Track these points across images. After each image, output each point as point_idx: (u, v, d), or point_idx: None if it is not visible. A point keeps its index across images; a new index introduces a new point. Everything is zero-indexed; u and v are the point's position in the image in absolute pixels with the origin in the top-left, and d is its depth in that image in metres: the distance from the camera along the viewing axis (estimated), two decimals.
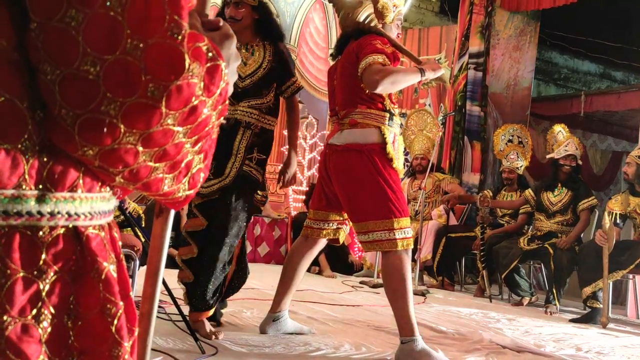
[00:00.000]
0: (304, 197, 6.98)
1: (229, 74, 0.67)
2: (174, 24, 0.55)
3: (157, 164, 0.60)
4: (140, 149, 0.57)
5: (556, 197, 5.11)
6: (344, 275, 5.94)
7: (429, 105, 7.98)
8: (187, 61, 0.56)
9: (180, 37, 0.56)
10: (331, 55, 3.06)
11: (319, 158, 6.93)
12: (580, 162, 5.12)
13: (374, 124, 2.72)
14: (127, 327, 0.64)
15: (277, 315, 2.91)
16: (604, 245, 4.30)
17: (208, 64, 0.59)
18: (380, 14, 2.87)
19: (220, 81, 0.61)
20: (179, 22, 0.55)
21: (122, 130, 0.56)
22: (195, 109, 0.59)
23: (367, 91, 2.67)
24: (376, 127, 2.71)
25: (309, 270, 5.59)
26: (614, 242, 4.33)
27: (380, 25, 2.85)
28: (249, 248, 6.23)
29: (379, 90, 2.62)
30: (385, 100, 2.75)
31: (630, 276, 4.82)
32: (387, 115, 2.75)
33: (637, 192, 4.55)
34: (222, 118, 0.65)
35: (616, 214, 4.58)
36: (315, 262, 5.74)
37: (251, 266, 5.85)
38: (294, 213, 6.91)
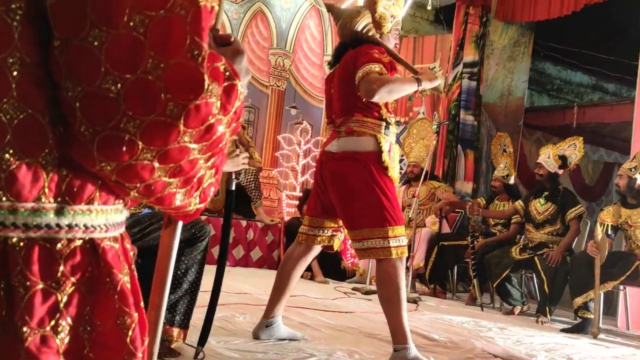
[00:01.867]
0: (297, 202, 6.99)
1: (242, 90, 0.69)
2: (194, 45, 0.57)
3: (171, 179, 0.62)
4: (157, 165, 0.59)
5: (542, 206, 5.15)
6: (336, 281, 5.94)
7: (423, 113, 8.01)
8: (207, 82, 0.58)
9: (200, 58, 0.57)
10: (328, 63, 3.08)
11: (313, 164, 6.95)
12: (557, 172, 5.14)
13: (370, 132, 2.74)
14: (139, 337, 0.65)
15: (270, 321, 2.92)
16: (596, 256, 4.34)
17: (225, 84, 0.61)
18: (378, 24, 2.90)
19: (235, 100, 0.63)
20: (199, 43, 0.57)
21: (140, 147, 0.57)
22: (212, 127, 0.60)
23: (364, 100, 2.70)
24: (372, 136, 2.74)
25: (301, 276, 5.63)
26: (606, 253, 4.36)
27: (377, 35, 2.88)
28: (241, 252, 6.23)
29: (375, 99, 2.64)
30: (382, 109, 2.78)
31: (621, 287, 4.86)
32: (384, 124, 2.77)
33: (629, 204, 4.60)
34: (235, 135, 0.66)
35: (608, 225, 4.63)
36: (308, 268, 5.72)
37: (244, 270, 5.91)
38: (287, 218, 6.92)
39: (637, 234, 4.50)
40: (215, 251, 6.04)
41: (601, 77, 10.56)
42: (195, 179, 0.65)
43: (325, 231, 2.95)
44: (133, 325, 0.63)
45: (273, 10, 7.97)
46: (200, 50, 0.57)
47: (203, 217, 5.99)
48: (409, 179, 6.28)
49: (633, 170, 4.56)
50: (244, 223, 6.31)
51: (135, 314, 0.64)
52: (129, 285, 0.64)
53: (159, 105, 0.56)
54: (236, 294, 4.13)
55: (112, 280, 0.62)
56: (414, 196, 5.65)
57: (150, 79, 0.55)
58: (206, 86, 0.58)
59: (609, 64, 9.31)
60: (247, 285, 4.63)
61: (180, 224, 0.85)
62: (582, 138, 5.24)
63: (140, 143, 0.57)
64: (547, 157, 5.17)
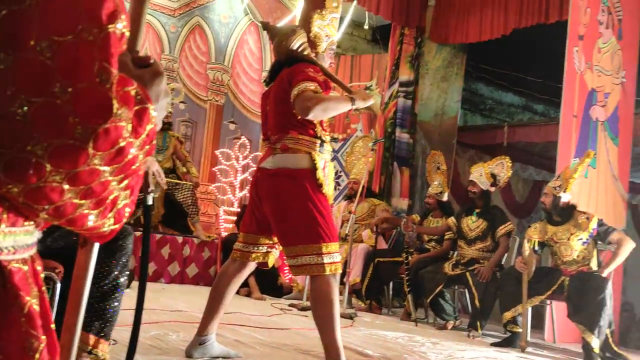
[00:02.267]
0: (235, 218, 6.95)
1: (158, 110, 0.69)
2: (103, 70, 0.57)
3: (82, 201, 0.61)
4: (66, 187, 0.59)
5: (474, 223, 5.30)
6: (273, 297, 5.92)
7: (361, 130, 8.14)
8: (115, 106, 0.58)
9: (109, 83, 0.58)
10: (264, 81, 3.10)
11: (251, 179, 6.93)
12: (489, 189, 5.32)
13: (305, 149, 2.77)
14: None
15: (203, 339, 2.88)
16: (524, 271, 4.49)
17: (136, 107, 0.61)
18: (313, 43, 2.95)
19: (147, 123, 0.63)
20: (108, 69, 0.57)
21: (49, 169, 0.57)
22: (123, 149, 0.61)
23: (299, 117, 2.73)
24: (307, 153, 2.76)
25: (238, 293, 5.57)
26: (533, 268, 4.52)
27: (313, 54, 2.92)
28: (177, 269, 6.13)
29: (310, 117, 2.67)
30: (317, 127, 2.81)
31: (548, 302, 5.03)
32: (318, 141, 2.80)
33: (554, 221, 4.78)
34: (149, 156, 0.67)
35: (535, 241, 4.80)
36: (245, 284, 5.68)
37: (179, 287, 5.80)
38: (224, 234, 6.85)
39: (562, 250, 4.69)
40: (150, 267, 5.93)
41: (530, 99, 11.01)
42: (108, 200, 0.65)
43: (260, 247, 2.95)
44: (40, 348, 0.62)
45: (211, 25, 7.95)
46: (108, 75, 0.58)
47: (138, 234, 5.87)
48: (349, 195, 6.36)
49: (558, 188, 4.76)
50: (180, 239, 6.21)
51: (43, 337, 0.63)
52: (37, 308, 0.63)
53: (67, 129, 0.56)
54: (170, 312, 4.06)
55: (19, 302, 0.61)
56: (350, 212, 5.71)
57: (59, 102, 0.56)
58: (115, 110, 0.58)
59: (538, 86, 9.73)
60: (181, 303, 4.55)
61: (96, 245, 0.84)
62: (509, 157, 5.44)
63: (48, 165, 0.56)
64: (480, 175, 5.33)
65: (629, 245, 4.56)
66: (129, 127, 0.60)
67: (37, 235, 0.68)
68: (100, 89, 0.57)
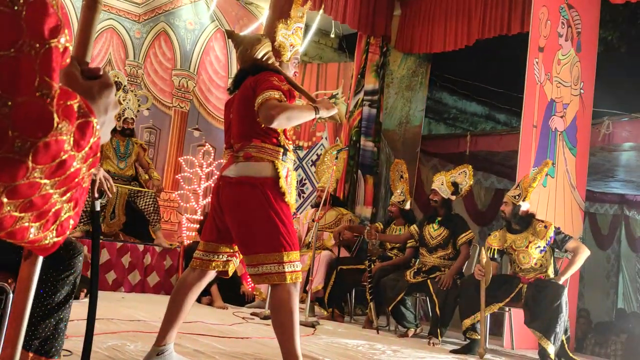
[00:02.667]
0: (198, 226, 6.89)
1: (107, 122, 0.69)
2: (44, 85, 0.57)
3: (22, 214, 0.61)
4: (5, 200, 0.58)
5: (436, 231, 5.37)
6: (236, 306, 5.88)
7: (326, 138, 8.17)
8: (56, 120, 0.58)
9: (49, 98, 0.57)
10: (228, 89, 3.10)
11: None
12: (451, 198, 5.39)
13: (268, 158, 2.77)
14: None
15: (161, 349, 2.84)
16: (481, 279, 4.56)
17: (79, 121, 0.61)
18: (277, 52, 2.97)
19: (90, 137, 0.63)
20: (49, 83, 0.57)
21: None
22: (64, 163, 0.60)
23: (263, 126, 2.73)
24: (270, 162, 2.77)
25: (199, 302, 5.54)
26: (491, 276, 4.60)
27: (277, 63, 2.94)
28: (137, 277, 6.05)
29: (274, 125, 2.68)
30: (280, 135, 2.82)
31: (506, 309, 5.12)
32: (282, 150, 2.81)
33: (513, 230, 4.87)
34: (93, 169, 0.66)
35: (494, 249, 4.88)
36: (207, 293, 5.66)
37: (139, 297, 5.72)
38: (187, 242, 6.79)
39: (521, 258, 4.77)
40: (110, 276, 5.84)
41: (493, 108, 11.21)
42: (50, 213, 0.64)
43: (220, 256, 2.93)
44: None
45: (177, 31, 7.90)
46: (49, 89, 0.57)
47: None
48: (317, 202, 6.38)
49: (517, 197, 4.85)
50: (141, 247, 6.13)
51: None
52: None
53: (6, 142, 0.56)
54: (129, 322, 4.00)
55: None
56: (313, 220, 5.71)
57: None
58: (55, 124, 0.58)
59: (500, 96, 9.92)
60: (141, 312, 4.49)
61: (40, 257, 0.83)
62: (471, 166, 5.52)
63: None
64: (441, 184, 5.40)
65: (585, 253, 4.67)
66: (71, 140, 0.60)
67: None
68: (41, 103, 0.57)
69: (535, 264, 4.73)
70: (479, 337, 4.60)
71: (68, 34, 0.60)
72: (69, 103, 0.60)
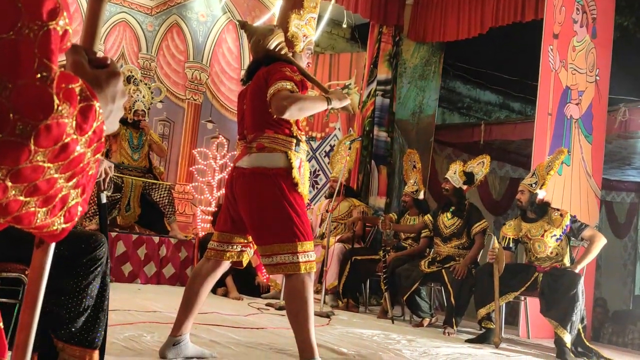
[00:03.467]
0: (212, 218, 6.92)
1: (115, 111, 0.69)
2: (43, 67, 0.57)
3: (27, 198, 0.61)
4: (9, 184, 0.58)
5: (449, 220, 5.35)
6: (251, 297, 5.91)
7: (339, 129, 8.15)
8: (56, 102, 0.58)
9: (49, 80, 0.57)
10: (242, 80, 3.10)
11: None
12: (462, 187, 5.36)
13: (280, 148, 2.78)
14: None
15: (177, 339, 2.87)
16: (494, 262, 4.55)
17: (81, 104, 0.61)
18: (290, 43, 2.96)
19: (93, 120, 0.63)
20: (48, 65, 0.57)
21: None
22: (67, 146, 0.60)
23: (275, 116, 2.73)
24: (283, 152, 2.77)
25: (215, 292, 5.57)
26: (504, 264, 4.57)
27: (290, 54, 2.93)
28: (153, 269, 6.09)
29: (286, 116, 2.68)
30: (293, 126, 2.82)
31: (522, 298, 5.09)
32: (294, 140, 2.81)
33: (529, 218, 4.84)
34: (99, 154, 0.66)
35: (509, 238, 4.85)
36: (222, 284, 5.68)
37: (155, 288, 5.77)
38: (201, 234, 6.82)
39: (537, 247, 4.74)
40: (126, 268, 5.89)
41: (507, 97, 11.12)
42: (57, 199, 0.64)
43: (235, 247, 2.94)
44: None
45: (189, 24, 7.90)
46: (49, 71, 0.57)
47: (113, 234, 5.82)
48: (331, 193, 6.37)
49: (534, 185, 4.81)
50: (156, 239, 6.17)
51: None
52: None
53: (7, 125, 0.56)
54: (145, 313, 4.03)
55: None
56: (327, 211, 5.71)
57: None
58: (56, 106, 0.58)
59: (514, 84, 9.83)
60: (157, 304, 4.52)
61: (52, 244, 0.83)
62: (489, 156, 5.48)
63: None
64: (454, 173, 5.38)
65: (601, 242, 4.63)
66: (73, 123, 0.60)
67: None
68: (40, 85, 0.57)
69: (551, 252, 4.69)
70: (494, 326, 4.59)
71: (67, 17, 0.59)
72: (70, 86, 0.60)
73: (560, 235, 4.67)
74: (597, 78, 6.42)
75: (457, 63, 9.60)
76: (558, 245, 4.69)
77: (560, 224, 4.67)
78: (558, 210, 4.79)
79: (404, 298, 5.27)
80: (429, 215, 5.62)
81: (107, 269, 2.00)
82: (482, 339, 4.61)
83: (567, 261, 4.68)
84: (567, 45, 6.17)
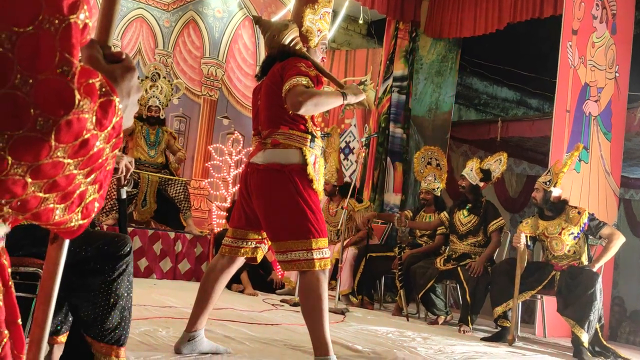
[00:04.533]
0: (227, 213, 6.93)
1: (130, 106, 0.68)
2: (64, 61, 0.56)
3: (47, 195, 0.61)
4: (29, 180, 0.58)
5: (466, 218, 5.31)
6: (266, 293, 5.92)
7: (354, 125, 8.13)
8: (77, 97, 0.57)
9: (70, 74, 0.57)
10: (256, 76, 3.09)
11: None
12: (479, 184, 5.32)
13: (295, 144, 2.76)
14: (14, 355, 0.63)
15: (192, 335, 2.87)
16: (518, 246, 4.53)
17: (101, 99, 0.60)
18: (305, 38, 2.94)
19: (113, 116, 0.62)
20: (69, 60, 0.57)
21: (10, 162, 0.56)
22: (87, 142, 0.60)
23: (291, 112, 2.72)
24: (298, 148, 2.76)
25: (230, 288, 5.58)
26: (525, 263, 4.54)
27: (305, 49, 2.91)
28: (169, 264, 6.12)
29: (301, 112, 2.66)
30: (308, 122, 2.81)
31: (539, 296, 5.05)
32: (309, 136, 2.80)
33: (546, 216, 4.79)
34: (117, 150, 0.66)
35: (527, 236, 4.81)
36: (237, 280, 5.70)
37: (171, 283, 5.79)
38: (217, 230, 6.84)
39: (554, 244, 4.69)
40: (142, 264, 5.92)
41: (525, 93, 11.01)
42: (75, 195, 0.64)
43: (249, 243, 2.94)
44: (3, 342, 0.62)
45: (205, 20, 7.92)
46: (70, 66, 0.57)
47: (130, 229, 5.85)
48: (330, 193, 6.28)
49: (548, 183, 4.76)
50: (172, 235, 6.19)
51: (6, 331, 0.62)
52: (0, 303, 0.63)
53: (28, 120, 0.55)
54: (161, 308, 4.05)
55: None
56: (342, 208, 5.67)
57: (19, 94, 0.55)
58: (77, 102, 0.57)
59: (532, 81, 9.73)
60: (173, 299, 4.54)
61: (67, 240, 0.83)
62: (506, 154, 5.43)
63: (9, 158, 0.56)
64: (470, 170, 5.34)
65: (619, 240, 4.57)
66: (93, 119, 0.60)
67: (5, 229, 0.67)
68: (62, 80, 0.56)
69: (569, 250, 4.65)
70: (510, 324, 4.55)
71: (87, 10, 0.59)
72: (90, 81, 0.59)
73: (578, 234, 4.63)
74: (617, 74, 6.34)
75: (474, 59, 9.52)
76: (576, 244, 4.64)
77: (578, 221, 4.62)
78: (576, 208, 4.74)
79: (419, 295, 5.25)
80: (445, 212, 5.58)
81: (131, 267, 2.03)
82: (498, 337, 4.58)
83: (585, 259, 4.64)
84: (586, 42, 6.09)
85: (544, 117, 8.10)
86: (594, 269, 4.47)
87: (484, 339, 4.58)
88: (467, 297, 4.97)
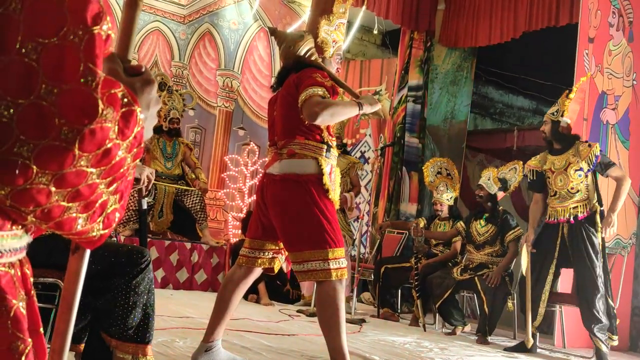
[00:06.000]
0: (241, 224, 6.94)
1: (148, 118, 0.69)
2: (88, 72, 0.57)
3: (70, 204, 0.61)
4: (53, 189, 0.59)
5: (483, 228, 5.27)
6: (282, 303, 5.91)
7: (369, 135, 8.13)
8: (101, 106, 0.58)
9: (94, 84, 0.58)
10: (272, 87, 3.11)
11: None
12: (498, 194, 5.28)
13: (311, 155, 2.77)
14: None
15: (209, 345, 2.88)
16: (527, 276, 4.51)
17: (123, 109, 0.61)
18: (320, 49, 2.96)
19: (135, 126, 0.63)
20: (93, 70, 0.58)
21: (35, 171, 0.57)
22: (109, 151, 0.61)
23: (306, 122, 2.73)
24: (313, 158, 2.77)
25: (246, 299, 5.58)
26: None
27: (320, 59, 2.93)
28: (185, 275, 6.14)
29: (318, 122, 2.67)
30: (324, 132, 2.81)
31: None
32: (325, 146, 2.80)
33: (555, 150, 4.63)
34: (137, 161, 0.67)
35: (534, 171, 4.72)
36: (254, 290, 5.70)
37: (187, 294, 5.81)
38: (233, 240, 6.86)
39: (558, 181, 4.53)
40: (159, 274, 5.95)
41: (541, 102, 10.94)
42: (97, 204, 0.64)
43: (266, 253, 2.95)
44: (27, 350, 0.62)
45: (221, 32, 7.98)
46: (94, 76, 0.58)
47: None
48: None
49: (555, 114, 4.66)
50: (188, 245, 6.22)
51: (30, 340, 0.63)
52: (24, 311, 0.63)
53: (53, 130, 0.56)
54: (178, 318, 4.06)
55: (5, 305, 0.61)
56: (358, 218, 5.64)
57: (44, 104, 0.56)
58: (100, 111, 0.58)
59: (548, 89, 9.67)
60: (189, 309, 4.56)
61: (88, 250, 0.84)
62: (522, 162, 5.38)
63: (34, 167, 0.57)
64: (487, 179, 5.30)
65: (628, 183, 4.47)
66: (116, 128, 0.61)
67: (27, 239, 0.68)
68: (86, 90, 0.57)
69: (572, 188, 4.46)
70: (531, 331, 4.50)
71: (110, 22, 0.60)
72: (112, 91, 0.60)
73: (588, 170, 4.43)
74: (634, 82, 6.29)
75: (489, 68, 9.49)
76: (581, 182, 4.46)
77: (587, 155, 4.41)
78: (587, 142, 4.59)
79: (437, 306, 5.21)
80: (461, 222, 5.54)
81: (152, 272, 2.05)
82: (521, 348, 4.51)
83: (596, 204, 4.46)
84: (602, 50, 6.05)
85: None
86: (612, 217, 4.33)
87: (507, 349, 4.52)
88: (485, 307, 4.92)
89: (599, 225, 4.40)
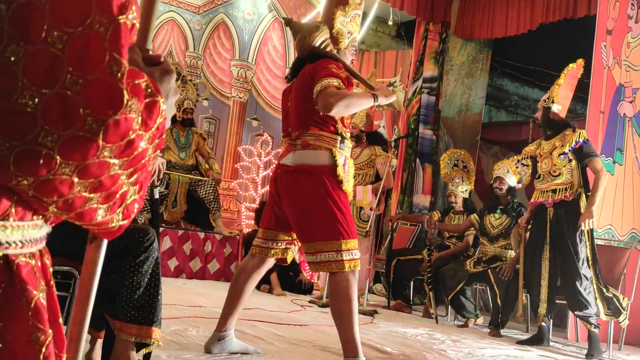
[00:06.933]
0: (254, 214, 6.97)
1: (168, 108, 0.69)
2: (113, 61, 0.57)
3: (91, 195, 0.61)
4: (76, 179, 0.59)
5: (497, 220, 5.25)
6: (295, 294, 5.93)
7: (383, 127, 8.10)
8: (126, 97, 0.58)
9: (119, 74, 0.58)
10: (286, 77, 3.10)
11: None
12: (516, 185, 5.26)
13: (325, 146, 2.77)
14: (55, 354, 0.64)
15: (222, 335, 2.90)
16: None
17: (146, 100, 0.61)
18: (335, 40, 2.95)
19: (157, 116, 0.63)
20: (118, 60, 0.57)
21: (58, 161, 0.57)
22: (132, 142, 0.61)
23: (321, 113, 2.72)
24: (327, 150, 2.76)
25: (259, 289, 5.60)
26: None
27: (335, 50, 2.92)
28: (198, 264, 6.18)
29: (333, 113, 2.67)
30: (338, 123, 2.81)
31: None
32: (339, 138, 2.80)
33: (548, 135, 4.69)
34: (158, 151, 0.67)
35: (528, 156, 4.83)
36: (266, 281, 5.72)
37: (200, 283, 5.85)
38: (246, 230, 6.88)
39: (543, 164, 4.59)
40: (172, 263, 5.99)
41: None
42: (117, 195, 0.65)
43: (279, 244, 2.96)
44: (47, 341, 0.63)
45: (235, 22, 7.98)
46: (119, 66, 0.58)
47: (160, 229, 5.92)
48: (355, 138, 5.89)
49: (547, 100, 4.69)
50: (201, 235, 6.25)
51: (50, 331, 0.63)
52: (44, 302, 0.64)
53: (78, 120, 0.56)
54: (191, 307, 4.09)
55: (26, 296, 0.62)
56: (371, 209, 5.60)
57: (69, 94, 0.56)
58: (125, 101, 0.58)
59: None
60: (202, 298, 4.58)
61: (105, 241, 0.84)
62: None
63: (58, 157, 0.57)
64: (507, 172, 5.27)
65: (605, 177, 4.45)
66: (139, 119, 0.60)
67: (47, 229, 0.68)
68: (111, 80, 0.57)
69: (554, 172, 4.50)
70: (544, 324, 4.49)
71: (135, 11, 0.60)
72: (137, 82, 0.60)
73: (566, 153, 4.45)
74: None
75: (504, 60, 9.41)
76: (564, 167, 4.47)
77: (570, 139, 4.45)
78: (575, 128, 4.59)
79: (449, 298, 5.21)
80: (475, 214, 5.52)
81: (158, 252, 2.04)
82: (535, 341, 4.50)
83: (580, 189, 4.46)
84: (621, 42, 5.98)
85: (576, 118, 7.97)
86: (591, 211, 4.30)
87: (520, 342, 4.51)
88: (498, 300, 4.90)
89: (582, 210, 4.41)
